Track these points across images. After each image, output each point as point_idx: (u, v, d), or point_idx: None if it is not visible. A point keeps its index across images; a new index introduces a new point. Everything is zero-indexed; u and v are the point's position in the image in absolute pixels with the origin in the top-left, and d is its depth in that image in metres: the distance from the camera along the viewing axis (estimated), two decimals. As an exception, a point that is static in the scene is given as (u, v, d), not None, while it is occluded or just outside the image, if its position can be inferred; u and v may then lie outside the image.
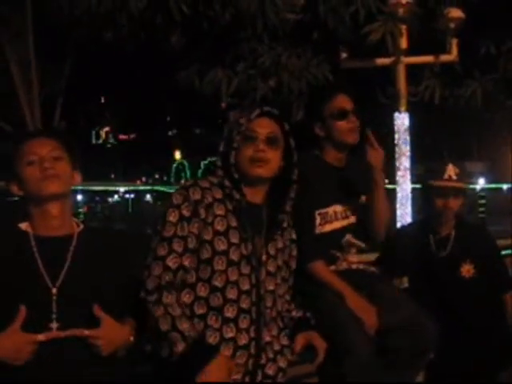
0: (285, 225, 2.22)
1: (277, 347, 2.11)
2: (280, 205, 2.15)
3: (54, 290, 1.87)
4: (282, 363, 2.11)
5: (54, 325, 1.84)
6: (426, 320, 2.53)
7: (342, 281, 2.51)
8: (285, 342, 2.16)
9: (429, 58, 5.36)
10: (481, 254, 2.97)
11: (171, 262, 1.98)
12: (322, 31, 4.93)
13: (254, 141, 2.09)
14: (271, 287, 2.11)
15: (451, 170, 2.90)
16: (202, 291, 2.00)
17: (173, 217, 2.01)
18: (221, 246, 2.02)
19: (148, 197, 28.70)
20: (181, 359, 1.92)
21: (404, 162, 5.31)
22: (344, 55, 5.11)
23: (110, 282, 1.93)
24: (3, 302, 1.84)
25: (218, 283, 2.00)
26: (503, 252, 4.84)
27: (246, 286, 2.04)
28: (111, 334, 1.88)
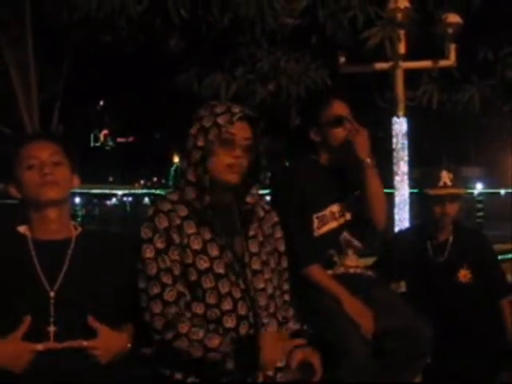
0: (261, 214, 2.15)
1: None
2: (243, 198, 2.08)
3: (52, 294, 1.87)
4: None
5: (52, 328, 1.84)
6: (422, 324, 2.54)
7: (339, 285, 2.52)
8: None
9: (427, 63, 5.37)
10: (478, 259, 2.98)
11: (169, 296, 1.95)
12: (320, 36, 4.93)
13: (232, 146, 2.01)
14: (261, 285, 2.05)
15: (446, 177, 2.92)
16: (198, 309, 1.98)
17: (149, 253, 1.96)
18: (203, 264, 1.98)
19: (146, 200, 28.70)
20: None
21: (402, 167, 5.31)
22: (342, 60, 5.12)
23: (107, 285, 1.94)
24: (1, 305, 1.84)
25: (212, 301, 1.97)
26: (504, 256, 4.85)
27: (238, 294, 2.00)
28: (108, 343, 1.88)
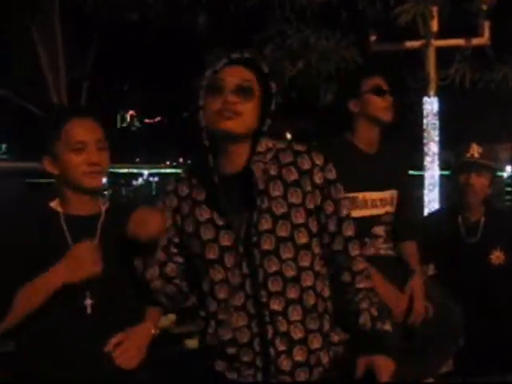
0: (293, 177, 1.78)
1: (298, 335, 1.78)
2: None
3: None
4: (300, 357, 1.78)
5: (88, 302, 1.86)
6: (454, 306, 2.50)
7: (370, 266, 2.48)
8: (312, 325, 1.80)
9: (460, 41, 5.26)
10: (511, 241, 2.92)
11: (149, 275, 1.85)
12: (351, 12, 4.86)
13: (222, 92, 1.71)
14: (274, 268, 1.76)
15: (474, 149, 2.87)
16: (197, 300, 1.88)
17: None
18: (194, 248, 1.81)
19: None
20: None
21: (432, 148, 5.24)
22: (373, 38, 5.04)
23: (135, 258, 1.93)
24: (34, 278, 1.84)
25: (205, 287, 1.82)
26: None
27: (236, 280, 1.77)
28: (137, 342, 1.90)
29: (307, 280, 1.80)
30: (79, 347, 1.83)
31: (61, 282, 1.81)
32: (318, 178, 1.81)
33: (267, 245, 1.76)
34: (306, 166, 1.80)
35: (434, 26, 5.03)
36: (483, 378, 2.75)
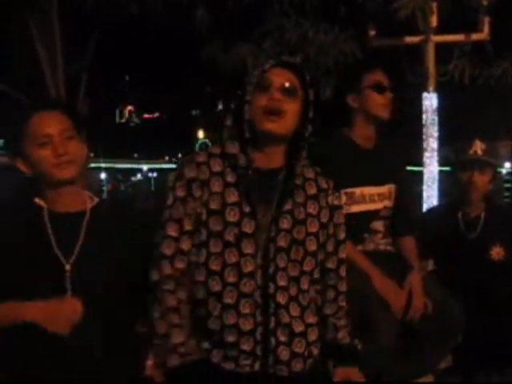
0: (313, 191, 1.95)
1: (299, 328, 1.88)
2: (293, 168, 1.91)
3: (68, 267, 1.84)
4: (299, 348, 1.87)
5: None
6: (453, 302, 2.49)
7: (369, 262, 2.46)
8: (310, 320, 1.92)
9: (459, 37, 5.24)
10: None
11: (167, 249, 1.85)
12: (349, 6, 4.83)
13: (268, 89, 1.85)
14: (283, 265, 1.86)
15: (477, 146, 2.85)
16: (200, 276, 1.86)
17: (169, 200, 1.88)
18: (216, 226, 1.84)
19: (171, 176, 28.87)
20: None
21: (431, 144, 5.23)
22: (372, 33, 5.01)
23: (121, 258, 1.90)
24: (16, 277, 1.81)
25: (214, 267, 1.84)
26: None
27: (248, 268, 1.83)
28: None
29: (305, 283, 1.92)
30: (60, 344, 1.79)
31: (30, 320, 1.77)
32: (330, 200, 1.99)
33: (282, 242, 1.87)
34: (324, 185, 1.99)
35: (434, 21, 4.99)
36: (482, 373, 2.75)
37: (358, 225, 2.53)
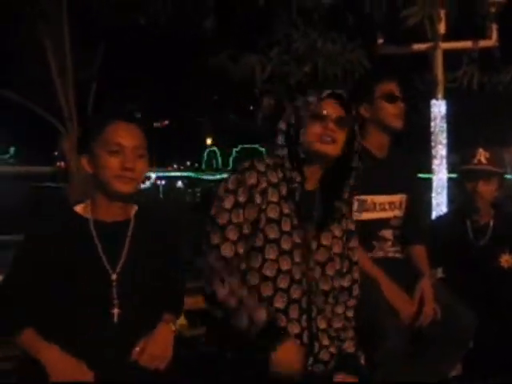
0: (343, 212, 2.16)
1: (332, 333, 2.08)
2: (336, 191, 2.10)
3: (114, 276, 1.86)
4: (334, 349, 2.07)
5: (116, 310, 1.84)
6: (463, 310, 2.49)
7: (378, 268, 2.47)
8: (338, 324, 2.10)
9: (467, 44, 5.24)
10: (521, 244, 2.90)
11: (226, 251, 1.94)
12: (357, 15, 4.84)
13: (324, 120, 2.03)
14: (317, 276, 2.05)
15: (481, 154, 2.85)
16: (253, 280, 1.97)
17: (228, 203, 1.96)
18: (272, 234, 1.97)
19: (179, 183, 28.91)
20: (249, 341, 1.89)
21: (440, 151, 5.22)
22: (380, 41, 5.02)
23: (163, 263, 1.95)
24: (63, 287, 1.83)
25: (269, 273, 1.97)
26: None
27: (297, 275, 1.99)
28: (159, 351, 1.89)
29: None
30: (105, 355, 1.81)
31: (44, 362, 1.78)
32: (348, 224, 2.19)
33: (320, 256, 2.06)
34: (344, 211, 2.17)
35: (442, 28, 5.00)
36: (492, 381, 2.74)
37: (368, 232, 2.53)
